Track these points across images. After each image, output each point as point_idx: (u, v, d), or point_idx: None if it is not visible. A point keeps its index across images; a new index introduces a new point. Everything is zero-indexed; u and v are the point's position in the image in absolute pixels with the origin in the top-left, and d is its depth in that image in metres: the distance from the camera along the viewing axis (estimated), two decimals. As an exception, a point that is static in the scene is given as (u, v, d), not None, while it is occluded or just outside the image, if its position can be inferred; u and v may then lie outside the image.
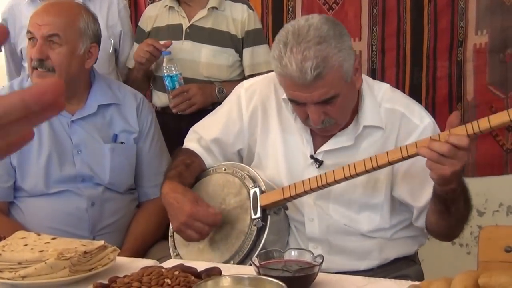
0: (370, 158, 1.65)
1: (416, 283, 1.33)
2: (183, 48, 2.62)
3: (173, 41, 2.60)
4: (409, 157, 1.62)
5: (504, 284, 1.16)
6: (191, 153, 1.97)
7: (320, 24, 1.66)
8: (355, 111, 1.80)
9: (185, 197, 1.77)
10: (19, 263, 1.47)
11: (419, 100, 3.01)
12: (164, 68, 2.53)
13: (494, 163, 3.05)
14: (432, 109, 2.98)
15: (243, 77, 2.56)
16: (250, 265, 1.51)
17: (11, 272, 1.47)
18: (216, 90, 2.55)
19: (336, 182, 1.71)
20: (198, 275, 1.42)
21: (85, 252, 1.50)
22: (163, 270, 1.38)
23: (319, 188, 1.72)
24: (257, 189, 1.78)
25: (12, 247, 1.52)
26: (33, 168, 2.12)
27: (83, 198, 2.13)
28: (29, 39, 2.12)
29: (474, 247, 3.07)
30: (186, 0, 2.63)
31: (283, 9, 3.13)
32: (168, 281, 1.33)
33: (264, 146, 1.91)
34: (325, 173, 1.71)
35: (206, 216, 1.75)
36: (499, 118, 1.56)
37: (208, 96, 2.54)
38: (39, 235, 1.62)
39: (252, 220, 1.76)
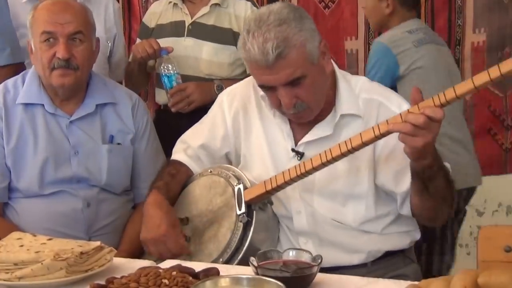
0: (345, 141, 1.68)
1: (415, 283, 1.33)
2: (185, 45, 2.61)
3: (175, 38, 2.60)
4: (382, 135, 1.63)
5: (504, 283, 1.16)
6: (177, 163, 2.02)
7: (281, 9, 1.72)
8: (333, 102, 1.83)
9: (165, 216, 1.83)
10: (15, 264, 1.46)
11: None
12: (162, 68, 2.53)
13: (493, 163, 3.05)
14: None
15: (245, 76, 2.56)
16: (248, 265, 1.51)
17: (7, 273, 1.46)
18: (215, 87, 2.55)
19: (315, 169, 1.73)
20: (196, 275, 1.42)
21: (81, 253, 1.49)
22: (160, 270, 1.38)
23: (299, 177, 1.74)
24: (241, 186, 1.81)
25: (7, 248, 1.51)
26: (28, 169, 2.11)
27: (79, 199, 2.12)
28: (46, 40, 2.08)
29: (473, 248, 3.07)
30: None
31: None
32: (166, 281, 1.32)
33: (248, 146, 1.94)
34: (304, 162, 1.73)
35: (175, 244, 1.80)
36: (464, 87, 1.56)
37: (207, 94, 2.53)
38: (35, 235, 1.61)
39: (237, 216, 1.78)
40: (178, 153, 2.05)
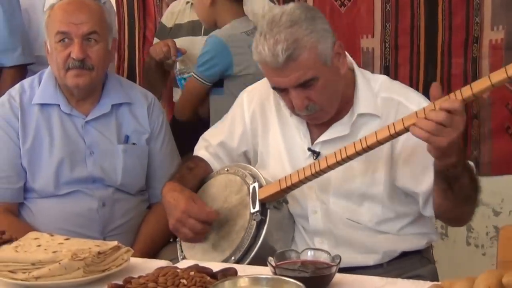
0: (360, 140, 1.66)
1: (437, 283, 1.31)
2: (201, 44, 2.61)
3: (192, 37, 2.60)
4: (397, 134, 1.61)
5: (529, 283, 1.14)
6: (197, 159, 2.02)
7: (293, 10, 1.71)
8: (351, 101, 1.81)
9: (181, 194, 1.81)
10: (33, 264, 1.46)
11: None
12: (177, 70, 2.54)
13: (510, 162, 3.01)
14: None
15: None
16: (262, 264, 1.52)
17: (25, 273, 1.46)
18: None
19: (330, 168, 1.71)
20: (214, 275, 1.41)
21: (99, 253, 1.49)
22: (178, 270, 1.38)
23: (314, 176, 1.73)
24: (256, 184, 1.80)
25: (25, 248, 1.52)
26: (44, 170, 2.11)
27: (94, 199, 2.12)
28: (61, 40, 2.08)
29: (489, 248, 3.04)
30: None
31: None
32: (184, 281, 1.32)
33: (265, 144, 1.94)
34: (318, 161, 1.72)
35: (200, 213, 1.78)
36: (481, 84, 1.53)
37: None
38: (52, 235, 1.61)
39: (251, 214, 1.77)
40: (200, 150, 2.05)
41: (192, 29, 2.65)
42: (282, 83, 1.72)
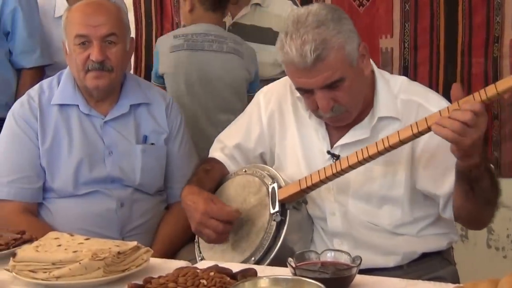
0: (382, 139, 1.65)
1: (459, 285, 1.30)
2: None
3: None
4: (420, 133, 1.60)
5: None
6: (213, 161, 2.02)
7: (319, 10, 1.70)
8: (371, 103, 1.80)
9: (200, 196, 1.81)
10: (53, 264, 1.46)
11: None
12: None
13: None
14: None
15: (284, 75, 2.54)
16: (280, 265, 1.52)
17: (45, 272, 1.46)
18: None
19: (351, 167, 1.70)
20: (234, 276, 1.40)
21: (119, 253, 1.49)
22: (198, 271, 1.37)
23: (334, 176, 1.72)
24: (275, 185, 1.79)
25: (45, 248, 1.52)
26: (63, 170, 2.12)
27: (113, 199, 2.12)
28: (81, 43, 2.08)
29: (510, 251, 3.02)
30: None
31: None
32: (204, 281, 1.32)
33: (282, 146, 1.93)
34: (339, 160, 1.71)
35: (220, 213, 1.77)
36: (505, 83, 1.52)
37: None
38: (72, 235, 1.61)
39: (271, 215, 1.76)
40: (215, 152, 2.05)
41: None
42: (308, 84, 1.70)
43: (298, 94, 1.86)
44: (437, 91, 2.95)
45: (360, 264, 1.42)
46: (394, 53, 3.01)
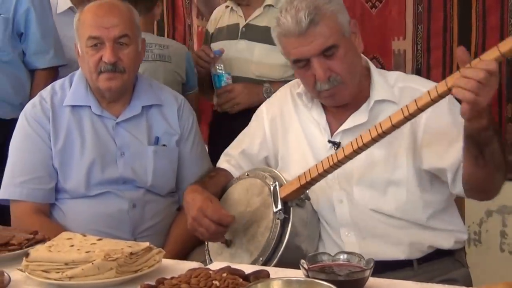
0: (375, 125, 1.66)
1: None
2: (238, 47, 2.63)
3: (229, 41, 2.62)
4: (411, 115, 1.60)
5: None
6: (218, 169, 2.08)
7: None
8: (368, 93, 1.85)
9: (200, 194, 1.83)
10: (66, 264, 1.46)
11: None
12: (212, 67, 2.56)
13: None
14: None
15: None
16: (289, 264, 1.52)
17: (58, 272, 1.46)
18: (263, 90, 2.53)
19: (348, 157, 1.71)
20: (246, 277, 1.40)
21: (131, 253, 1.49)
22: (210, 272, 1.37)
23: (332, 167, 1.73)
24: (276, 184, 1.81)
25: (58, 248, 1.52)
26: (75, 170, 2.13)
27: (125, 200, 2.13)
28: (93, 45, 2.09)
29: (525, 254, 2.99)
30: (243, 1, 2.63)
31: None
32: (217, 283, 1.31)
33: (286, 145, 1.97)
34: (336, 152, 1.73)
35: (214, 213, 1.78)
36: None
37: (254, 96, 2.53)
38: (85, 236, 1.62)
39: (274, 214, 1.77)
40: (222, 164, 2.09)
41: (230, 32, 2.66)
42: (306, 51, 1.77)
43: (298, 91, 1.94)
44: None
45: (373, 266, 1.41)
46: (407, 55, 2.99)
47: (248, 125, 2.11)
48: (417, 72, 2.99)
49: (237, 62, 2.60)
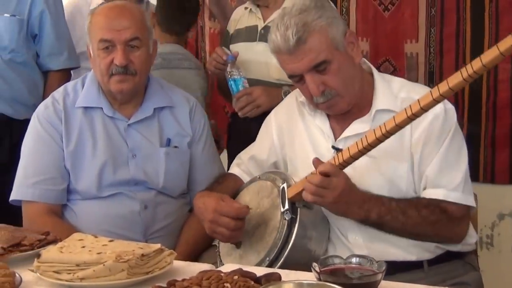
0: (380, 126, 1.67)
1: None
2: (256, 49, 2.62)
3: (248, 43, 2.61)
4: (414, 115, 1.62)
5: None
6: (227, 174, 2.13)
7: (304, 1, 1.82)
8: (371, 101, 1.86)
9: (209, 197, 1.86)
10: (77, 265, 1.47)
11: (479, 105, 2.94)
12: (227, 72, 2.55)
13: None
14: (493, 113, 2.89)
15: None
16: (302, 267, 1.52)
17: (69, 273, 1.47)
18: (283, 93, 2.51)
19: (352, 157, 1.72)
20: (257, 280, 1.40)
21: (142, 255, 1.49)
22: (222, 274, 1.37)
23: (339, 167, 1.73)
24: (285, 184, 1.82)
25: (70, 249, 1.53)
26: (87, 172, 2.13)
27: (136, 201, 2.13)
28: (105, 48, 2.09)
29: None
30: (262, 2, 2.63)
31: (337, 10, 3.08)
32: (228, 285, 1.31)
33: (293, 150, 1.99)
34: (341, 153, 1.74)
35: (230, 209, 1.80)
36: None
37: (274, 98, 2.50)
38: (96, 237, 1.62)
39: (281, 214, 1.78)
40: (233, 167, 2.13)
41: (249, 34, 2.65)
42: (296, 68, 1.79)
43: (301, 99, 1.95)
44: (462, 96, 2.95)
45: (385, 270, 1.41)
46: (419, 58, 2.98)
47: (260, 131, 2.13)
48: (430, 75, 2.97)
49: (255, 65, 2.59)
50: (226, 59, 2.56)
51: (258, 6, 2.66)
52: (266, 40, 2.58)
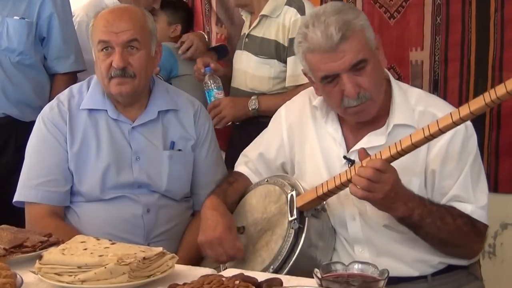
0: (395, 143, 1.66)
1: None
2: (241, 58, 2.62)
3: (238, 51, 2.67)
4: (432, 136, 1.62)
5: None
6: (237, 173, 2.09)
7: (334, 2, 1.84)
8: (388, 113, 1.84)
9: (222, 219, 1.85)
10: (79, 267, 1.47)
11: (483, 113, 2.92)
12: (204, 83, 2.59)
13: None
14: (496, 121, 2.88)
15: (284, 91, 2.52)
16: (306, 275, 1.50)
17: (71, 275, 1.47)
18: (249, 103, 2.53)
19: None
20: (259, 285, 1.39)
21: (144, 258, 1.49)
22: (223, 279, 1.37)
23: (349, 181, 1.73)
24: (293, 192, 1.81)
25: (71, 251, 1.53)
26: (90, 174, 2.13)
27: (139, 204, 2.13)
28: (103, 49, 2.10)
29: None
30: (248, 9, 2.63)
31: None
32: (229, 290, 1.30)
33: (302, 155, 1.96)
34: (354, 166, 1.72)
35: (231, 246, 1.82)
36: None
37: (240, 109, 2.54)
38: (98, 239, 1.62)
39: (289, 222, 1.77)
40: (240, 166, 2.10)
41: (240, 42, 2.67)
42: (335, 67, 1.74)
43: (314, 103, 1.92)
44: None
45: (387, 277, 1.40)
46: (424, 66, 2.97)
47: (267, 127, 2.10)
48: (435, 83, 2.96)
49: (238, 73, 2.62)
50: (203, 71, 2.59)
51: (250, 13, 2.66)
52: (247, 49, 2.60)
